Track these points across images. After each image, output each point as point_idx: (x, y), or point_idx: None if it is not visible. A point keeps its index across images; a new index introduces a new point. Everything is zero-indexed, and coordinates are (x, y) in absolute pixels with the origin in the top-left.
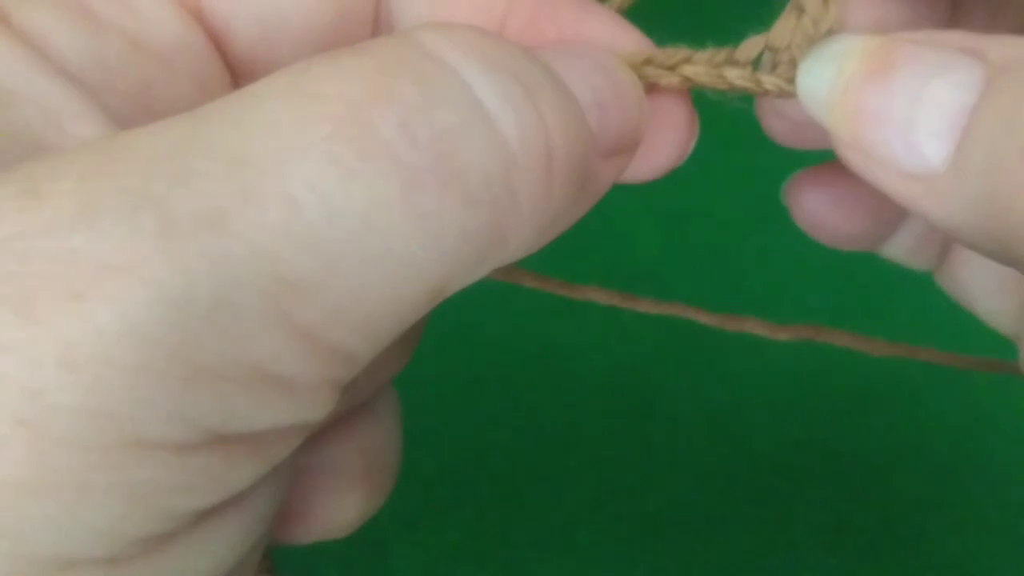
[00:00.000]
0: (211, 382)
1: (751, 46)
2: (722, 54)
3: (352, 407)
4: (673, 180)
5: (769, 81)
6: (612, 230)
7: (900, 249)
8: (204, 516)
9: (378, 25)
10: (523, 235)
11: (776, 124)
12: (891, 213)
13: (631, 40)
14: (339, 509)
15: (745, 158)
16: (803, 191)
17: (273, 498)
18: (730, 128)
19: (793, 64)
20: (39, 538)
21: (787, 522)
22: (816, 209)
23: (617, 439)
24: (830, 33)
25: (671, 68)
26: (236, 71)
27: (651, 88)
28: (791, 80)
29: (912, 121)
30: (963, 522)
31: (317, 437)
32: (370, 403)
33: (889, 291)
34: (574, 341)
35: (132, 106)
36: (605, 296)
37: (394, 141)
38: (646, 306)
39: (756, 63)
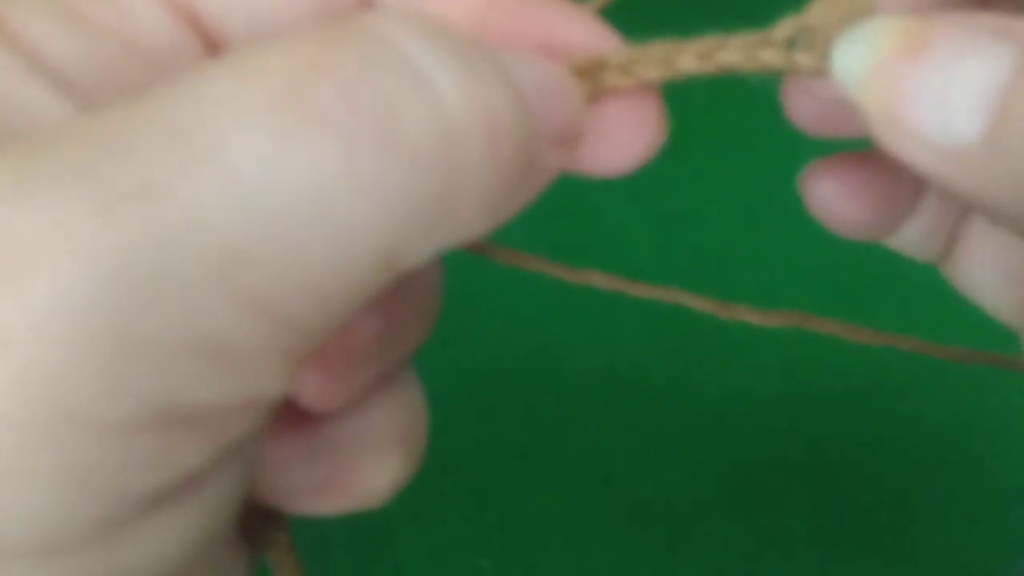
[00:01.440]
0: (154, 355)
1: (786, 27)
2: (756, 36)
3: (383, 377)
4: (666, 183)
5: (804, 59)
6: (606, 232)
7: (909, 239)
8: (159, 500)
9: None
10: (471, 208)
11: (804, 106)
12: (903, 203)
13: (608, 44)
14: (377, 476)
15: (737, 162)
16: (818, 180)
17: (236, 481)
18: (723, 133)
19: (827, 44)
20: None
21: (774, 511)
22: (830, 198)
23: (613, 431)
24: (865, 14)
25: (626, 70)
26: None
27: (621, 89)
28: (824, 59)
29: (946, 98)
30: (945, 513)
31: (352, 407)
32: (398, 373)
33: (878, 292)
34: (572, 337)
35: None
36: (604, 280)
37: (333, 108)
38: (643, 291)
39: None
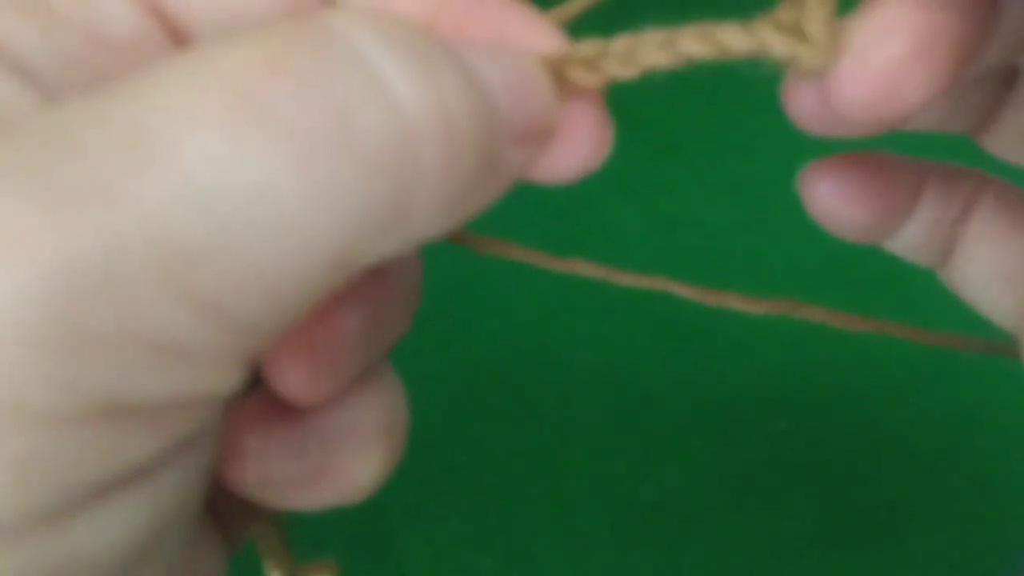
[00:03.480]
0: (100, 351)
1: (735, 32)
2: (710, 24)
3: (363, 371)
4: (666, 185)
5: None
6: (605, 234)
7: (906, 243)
8: (105, 490)
9: None
10: (427, 208)
11: (804, 103)
12: (901, 205)
13: (554, 43)
14: (361, 468)
15: (737, 165)
16: (816, 180)
17: (191, 472)
18: (723, 135)
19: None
20: None
21: (774, 511)
22: (828, 198)
23: (613, 431)
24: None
25: (590, 64)
26: None
27: (571, 91)
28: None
29: None
30: (945, 513)
31: (335, 400)
32: (378, 367)
33: (878, 295)
34: (572, 338)
35: None
36: (589, 268)
37: (286, 109)
38: (629, 279)
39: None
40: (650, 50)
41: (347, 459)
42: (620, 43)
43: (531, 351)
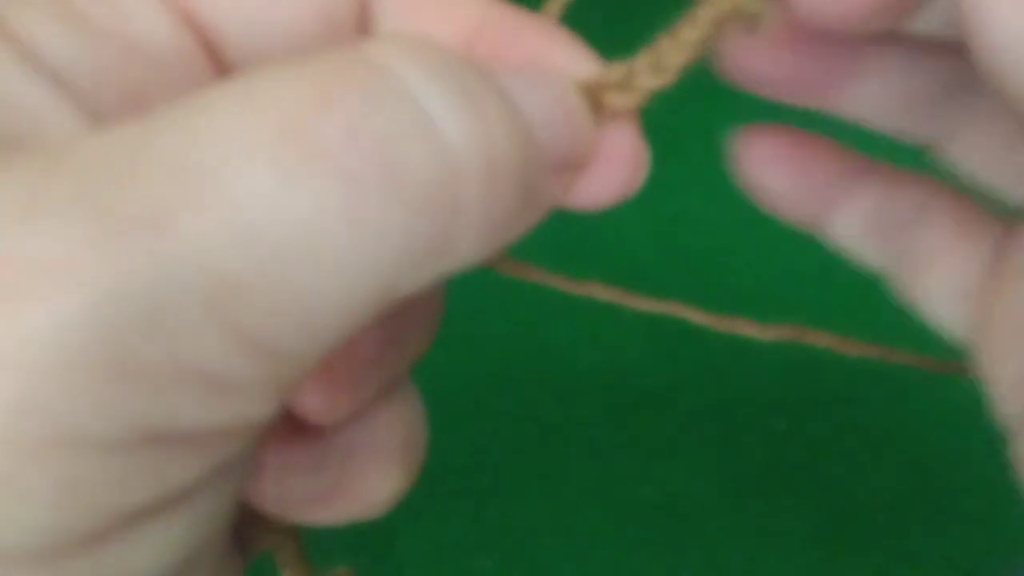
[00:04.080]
0: (148, 381)
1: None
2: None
3: (383, 389)
4: (667, 185)
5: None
6: (606, 233)
7: (845, 233)
8: (145, 514)
9: (363, 35)
10: (468, 241)
11: (741, 57)
12: (834, 186)
13: (589, 66)
14: (379, 485)
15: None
16: (747, 143)
17: (226, 496)
18: (721, 137)
19: None
20: None
21: (774, 512)
22: (755, 162)
23: (613, 431)
24: None
25: (624, 85)
26: (226, 76)
27: (603, 118)
28: None
29: None
30: (946, 513)
31: (355, 418)
32: (398, 384)
33: (878, 295)
34: (571, 339)
35: (124, 110)
36: (605, 292)
37: (336, 147)
38: (643, 304)
39: None
40: (672, 48)
41: (365, 476)
42: (645, 56)
43: (531, 351)
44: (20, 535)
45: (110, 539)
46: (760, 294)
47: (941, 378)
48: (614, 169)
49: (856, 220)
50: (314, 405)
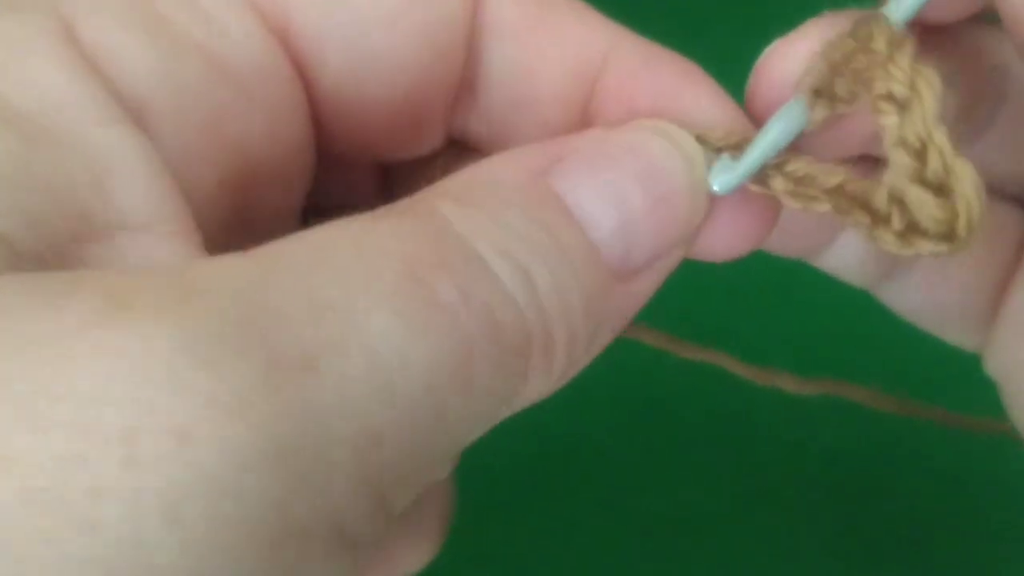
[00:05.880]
0: (297, 541)
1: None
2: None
3: None
4: None
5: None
6: None
7: (839, 263)
8: None
9: (469, 66)
10: (545, 386)
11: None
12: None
13: (731, 118)
14: (413, 557)
15: None
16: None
17: None
18: None
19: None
20: None
21: (790, 525)
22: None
23: (621, 442)
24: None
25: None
26: (319, 103)
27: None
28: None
29: None
30: (966, 527)
31: None
32: None
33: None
34: None
35: (200, 142)
36: (650, 336)
37: (454, 304)
38: (687, 351)
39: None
40: (817, 178)
41: (401, 553)
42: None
43: None
44: None
45: None
46: (774, 296)
47: (965, 389)
48: (741, 226)
49: (849, 251)
50: None
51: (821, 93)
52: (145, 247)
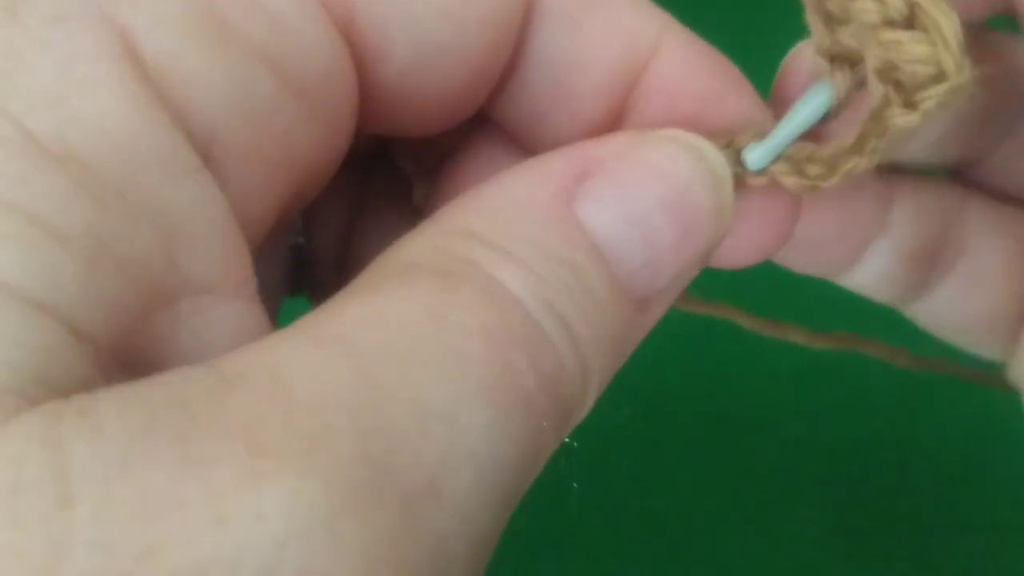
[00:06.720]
0: None
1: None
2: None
3: None
4: None
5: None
6: None
7: (866, 283)
8: None
9: (516, 50)
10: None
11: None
12: (859, 231)
13: (758, 112)
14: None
15: None
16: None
17: None
18: None
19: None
20: None
21: (790, 522)
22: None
23: (622, 440)
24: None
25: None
26: (374, 98)
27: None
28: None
29: None
30: (969, 524)
31: None
32: None
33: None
34: None
35: (266, 172)
36: None
37: (530, 386)
38: (694, 306)
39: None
40: (848, 154)
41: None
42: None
43: None
44: None
45: None
46: (766, 286)
47: (964, 385)
48: (762, 230)
49: (879, 262)
50: None
51: (835, 57)
52: (207, 310)
